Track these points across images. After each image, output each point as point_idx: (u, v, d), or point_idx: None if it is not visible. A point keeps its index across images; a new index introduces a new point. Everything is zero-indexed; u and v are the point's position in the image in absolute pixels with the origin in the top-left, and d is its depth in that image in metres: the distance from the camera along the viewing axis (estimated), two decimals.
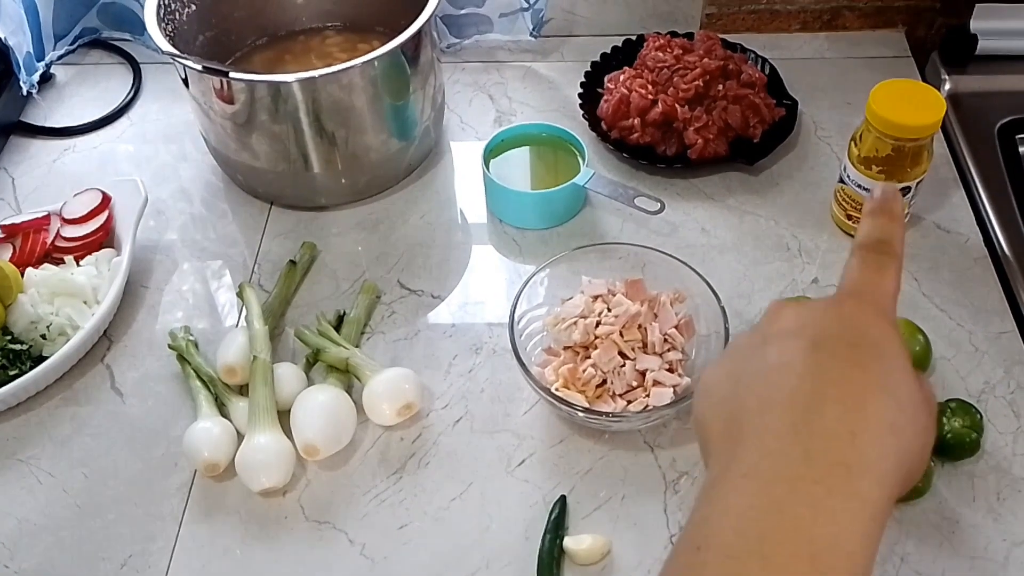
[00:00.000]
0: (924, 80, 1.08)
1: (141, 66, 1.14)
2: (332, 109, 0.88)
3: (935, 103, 0.83)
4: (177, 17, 0.94)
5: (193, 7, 0.97)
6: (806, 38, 1.15)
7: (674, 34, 1.09)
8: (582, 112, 1.03)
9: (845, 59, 1.12)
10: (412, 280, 0.91)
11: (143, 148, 1.05)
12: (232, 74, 0.82)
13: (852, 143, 0.87)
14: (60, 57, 1.13)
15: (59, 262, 0.88)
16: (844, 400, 0.40)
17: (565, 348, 0.80)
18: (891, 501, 0.40)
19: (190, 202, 0.99)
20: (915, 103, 0.83)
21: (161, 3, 0.91)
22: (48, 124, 1.07)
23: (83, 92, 1.12)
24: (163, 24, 0.90)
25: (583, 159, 0.94)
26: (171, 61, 0.85)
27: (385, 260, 0.93)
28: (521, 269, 0.92)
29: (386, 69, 0.87)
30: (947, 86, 1.05)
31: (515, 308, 0.79)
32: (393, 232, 0.95)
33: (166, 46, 0.84)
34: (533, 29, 1.11)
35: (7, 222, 0.89)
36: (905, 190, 0.87)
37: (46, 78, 1.11)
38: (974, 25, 1.05)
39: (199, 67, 0.83)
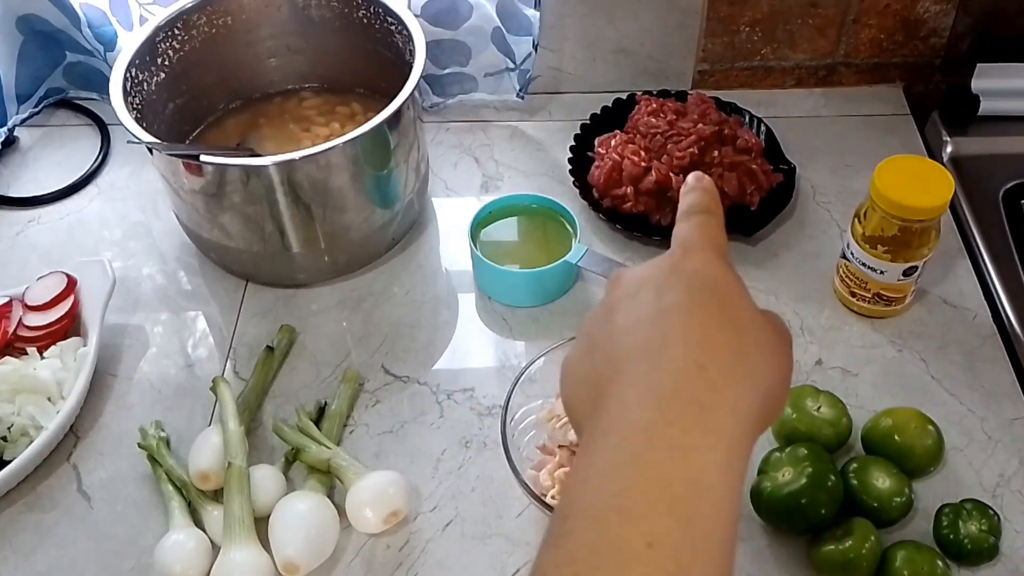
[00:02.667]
0: (925, 141, 1.04)
1: (108, 127, 1.09)
2: (311, 189, 0.83)
3: (943, 182, 0.79)
4: (145, 87, 0.89)
5: (162, 75, 0.92)
6: (801, 94, 1.11)
7: (665, 93, 1.06)
8: (572, 179, 0.99)
9: (842, 117, 1.09)
10: (397, 364, 0.86)
11: (111, 218, 1.00)
12: (204, 158, 0.78)
13: (856, 220, 0.84)
14: (24, 120, 1.07)
15: (21, 352, 0.83)
16: (688, 338, 0.42)
17: (560, 447, 0.75)
18: (751, 430, 0.41)
19: (161, 279, 0.94)
20: (922, 182, 0.80)
21: (128, 76, 0.86)
22: (11, 193, 1.02)
23: (48, 156, 1.07)
24: (130, 98, 0.85)
25: (576, 235, 0.90)
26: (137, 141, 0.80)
27: (368, 342, 0.88)
28: (511, 350, 0.87)
29: (368, 144, 0.83)
30: (949, 148, 1.01)
31: (507, 408, 0.74)
32: (376, 311, 0.91)
33: (135, 127, 0.80)
34: (520, 90, 1.06)
35: None
36: (912, 269, 0.83)
37: (9, 142, 1.06)
38: (976, 85, 1.02)
39: (169, 153, 0.77)
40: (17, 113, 1.07)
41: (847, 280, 0.87)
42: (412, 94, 0.84)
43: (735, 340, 0.42)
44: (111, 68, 1.00)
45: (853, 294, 0.87)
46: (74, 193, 1.02)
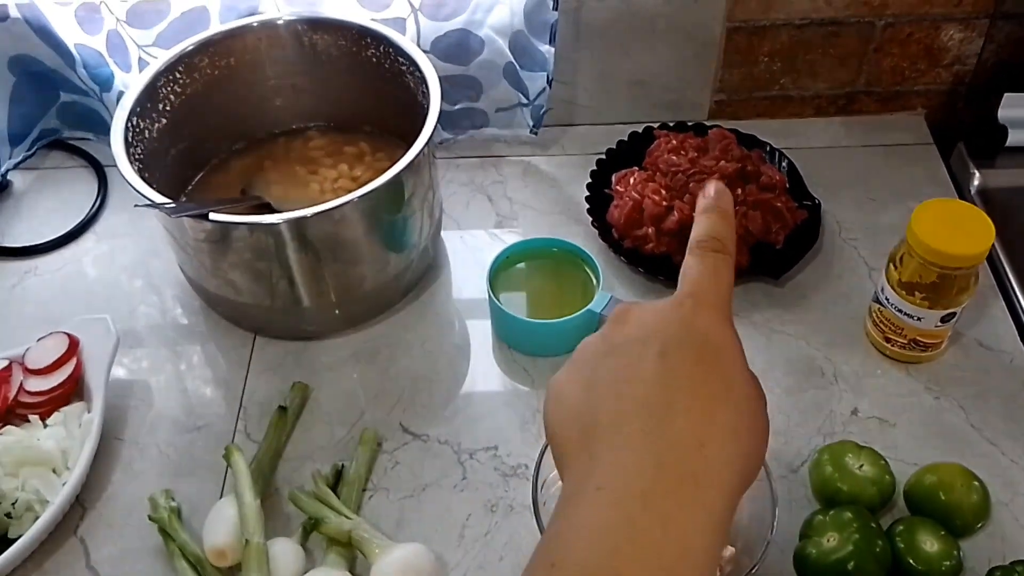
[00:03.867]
0: (950, 173, 1.01)
1: (105, 169, 1.05)
2: (324, 244, 0.80)
3: (983, 227, 0.76)
4: (147, 135, 0.85)
5: (163, 121, 0.88)
6: (821, 124, 1.08)
7: (682, 126, 1.03)
8: (591, 219, 0.95)
9: (864, 147, 1.06)
10: (416, 422, 0.83)
11: (111, 268, 0.96)
12: (212, 216, 0.74)
13: (891, 265, 0.81)
14: (17, 164, 1.03)
15: (22, 419, 0.79)
16: (692, 410, 0.42)
17: None
18: (733, 505, 0.42)
19: (166, 334, 0.90)
20: (961, 227, 0.76)
21: (129, 125, 0.82)
22: (6, 242, 0.98)
23: (43, 202, 1.03)
24: (132, 148, 0.82)
25: (598, 281, 0.86)
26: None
27: (385, 398, 0.85)
28: (534, 403, 0.84)
29: (384, 195, 0.79)
30: (976, 181, 0.98)
31: (538, 473, 0.71)
32: (392, 364, 0.87)
33: (143, 187, 0.76)
34: (533, 126, 1.03)
35: None
36: (949, 316, 0.80)
37: (2, 187, 1.02)
38: (1002, 115, 0.99)
39: (178, 215, 0.74)
40: (10, 156, 1.03)
41: (881, 325, 0.84)
42: (429, 141, 0.80)
43: (734, 419, 0.43)
44: (107, 108, 0.98)
45: (888, 339, 0.84)
46: (72, 241, 0.98)
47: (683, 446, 0.41)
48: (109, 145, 1.00)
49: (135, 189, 0.75)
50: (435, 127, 0.81)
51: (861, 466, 0.74)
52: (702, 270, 0.47)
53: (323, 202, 0.89)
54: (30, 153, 1.05)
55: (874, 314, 0.85)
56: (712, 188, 0.49)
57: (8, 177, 1.03)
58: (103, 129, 1.04)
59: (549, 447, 0.46)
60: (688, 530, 0.40)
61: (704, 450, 0.41)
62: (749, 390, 0.45)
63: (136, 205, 0.74)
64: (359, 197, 0.76)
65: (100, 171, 1.04)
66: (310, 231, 0.77)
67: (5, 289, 0.94)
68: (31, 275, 0.96)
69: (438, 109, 0.82)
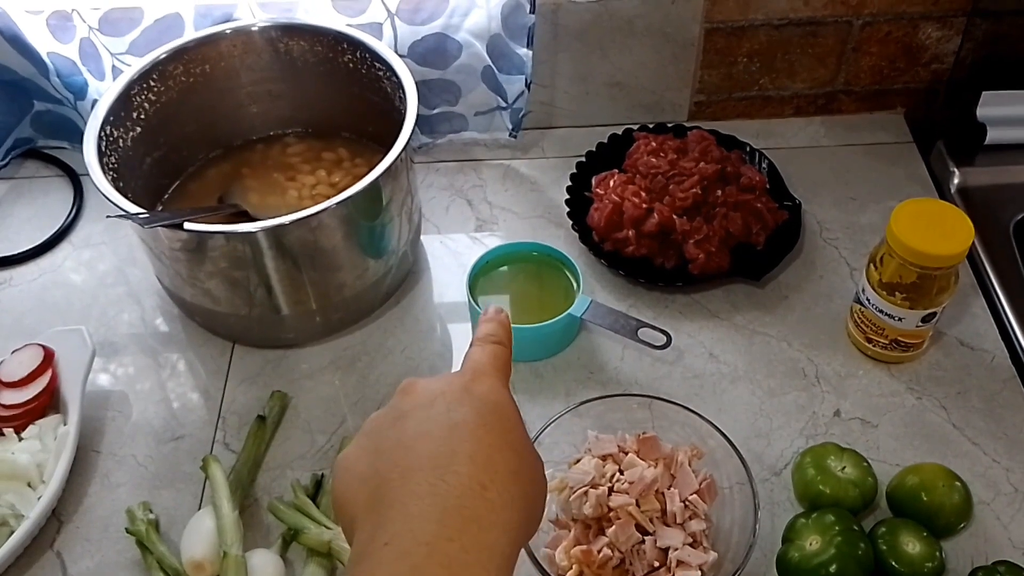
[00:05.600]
0: (930, 171, 1.01)
1: (81, 178, 1.04)
2: (302, 251, 0.79)
3: (962, 227, 0.76)
4: (121, 144, 0.85)
5: (138, 129, 0.87)
6: (800, 123, 1.08)
7: (662, 127, 1.02)
8: (572, 223, 0.95)
9: (843, 147, 1.05)
10: None
11: (87, 278, 0.95)
12: (188, 225, 0.73)
13: (871, 265, 0.80)
14: None
15: None
16: (476, 456, 0.45)
17: (575, 520, 0.72)
18: (517, 546, 0.45)
19: (143, 344, 0.89)
20: (940, 227, 0.76)
21: (103, 134, 0.81)
22: None
23: (18, 211, 1.01)
24: (106, 158, 0.81)
25: (579, 285, 0.86)
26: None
27: (365, 405, 0.84)
28: None
29: (361, 202, 0.79)
30: (956, 179, 0.98)
31: None
32: (372, 370, 0.87)
33: (116, 196, 0.75)
34: (512, 129, 1.02)
35: None
36: (930, 316, 0.80)
37: None
38: (981, 113, 0.99)
39: (152, 225, 0.73)
40: None
41: (862, 326, 0.84)
42: (406, 147, 0.80)
43: (514, 463, 0.46)
44: (81, 116, 0.97)
45: (869, 340, 0.84)
46: (47, 251, 0.97)
47: (466, 491, 0.43)
48: (82, 153, 1.00)
49: (108, 199, 0.75)
50: (412, 132, 0.81)
51: (843, 468, 0.74)
52: (482, 354, 0.52)
53: (301, 209, 0.88)
54: (4, 163, 1.03)
55: (855, 315, 0.85)
56: (492, 308, 0.56)
57: None
58: (78, 138, 1.03)
59: (339, 521, 0.48)
60: (474, 572, 0.42)
61: (487, 492, 0.44)
62: (526, 442, 0.49)
63: (109, 216, 0.73)
64: (336, 204, 0.75)
65: (76, 180, 1.03)
66: (287, 239, 0.77)
67: None
68: (6, 286, 0.94)
69: (415, 115, 0.81)
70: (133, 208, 0.73)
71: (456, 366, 0.85)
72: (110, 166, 0.81)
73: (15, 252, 0.96)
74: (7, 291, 0.94)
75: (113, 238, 0.98)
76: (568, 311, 0.84)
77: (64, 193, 1.03)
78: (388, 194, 0.82)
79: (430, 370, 0.87)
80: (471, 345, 0.53)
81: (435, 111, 1.02)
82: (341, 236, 0.80)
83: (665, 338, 0.83)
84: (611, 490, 0.71)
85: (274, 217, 0.86)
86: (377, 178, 0.77)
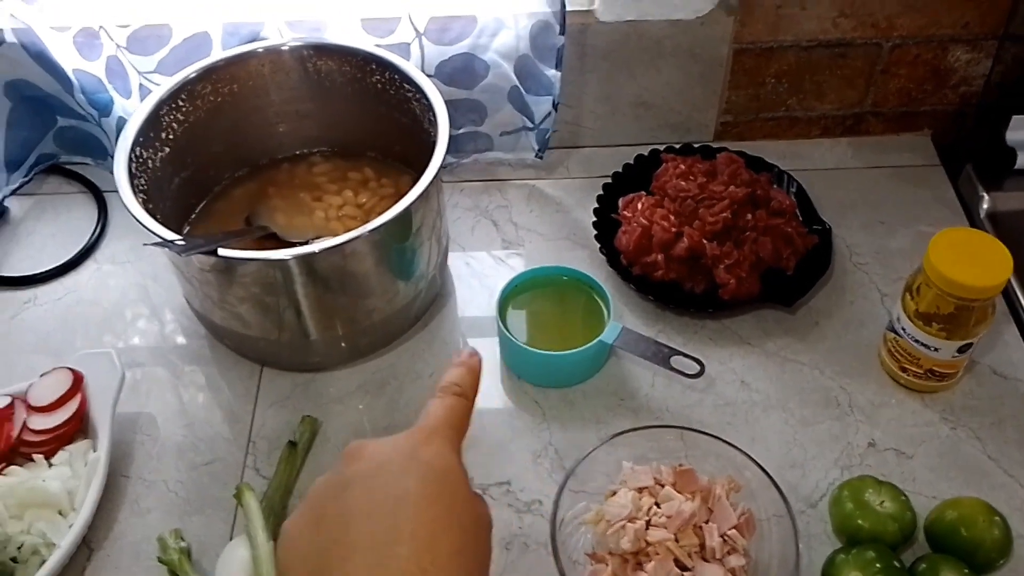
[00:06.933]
0: (958, 195, 1.01)
1: (105, 195, 1.03)
2: (334, 278, 0.78)
3: (1001, 257, 0.76)
4: (150, 165, 0.84)
5: (167, 150, 0.87)
6: (828, 145, 1.07)
7: (689, 148, 1.02)
8: (599, 246, 0.94)
9: (871, 168, 1.05)
10: None
11: (114, 298, 0.94)
12: (221, 251, 0.72)
13: (907, 295, 0.80)
14: (14, 191, 1.01)
15: (26, 459, 0.77)
16: (417, 535, 0.43)
17: (611, 554, 0.71)
18: None
19: (172, 365, 0.89)
20: (979, 257, 0.76)
21: (132, 156, 0.81)
22: (4, 272, 0.96)
23: (41, 228, 1.01)
24: (136, 180, 0.80)
25: (609, 310, 0.85)
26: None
27: (394, 431, 0.79)
28: (545, 436, 0.83)
29: (393, 228, 0.78)
30: (985, 204, 0.98)
31: (556, 516, 0.70)
32: (401, 395, 0.86)
33: (147, 220, 0.74)
34: (539, 150, 1.02)
35: None
36: (967, 347, 0.79)
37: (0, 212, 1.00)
38: (1011, 137, 0.98)
39: (185, 253, 0.72)
40: (8, 183, 1.01)
41: (897, 355, 0.83)
42: (438, 171, 0.79)
43: (458, 541, 0.44)
44: (105, 133, 0.96)
45: (903, 369, 0.83)
46: (72, 270, 0.97)
47: (405, 574, 0.42)
48: (108, 170, 0.99)
49: (144, 226, 0.74)
50: (444, 153, 0.80)
51: (882, 503, 0.73)
52: (440, 407, 0.50)
53: (329, 229, 0.88)
54: (27, 179, 1.03)
55: (889, 343, 0.84)
56: (466, 351, 0.54)
57: (5, 204, 1.01)
58: (101, 154, 1.03)
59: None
60: None
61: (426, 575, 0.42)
62: (473, 512, 0.47)
63: (145, 244, 0.72)
64: (370, 231, 0.74)
65: (99, 197, 1.03)
66: (319, 265, 0.76)
67: (4, 320, 0.92)
68: (31, 305, 0.94)
69: (446, 139, 0.80)
70: (169, 235, 0.73)
71: (483, 392, 0.84)
72: (140, 188, 0.80)
73: (39, 270, 0.96)
74: (32, 310, 0.93)
75: (138, 256, 0.97)
76: (599, 338, 0.83)
77: (87, 210, 1.02)
78: (419, 219, 0.81)
79: None
80: (433, 394, 0.52)
81: (460, 131, 1.01)
82: (373, 262, 0.80)
83: (698, 367, 0.82)
84: (648, 524, 0.71)
85: (301, 237, 0.87)
86: (410, 204, 0.76)
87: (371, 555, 0.43)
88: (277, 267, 0.75)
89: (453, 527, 0.45)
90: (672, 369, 0.82)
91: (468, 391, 0.52)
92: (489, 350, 0.89)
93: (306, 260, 0.75)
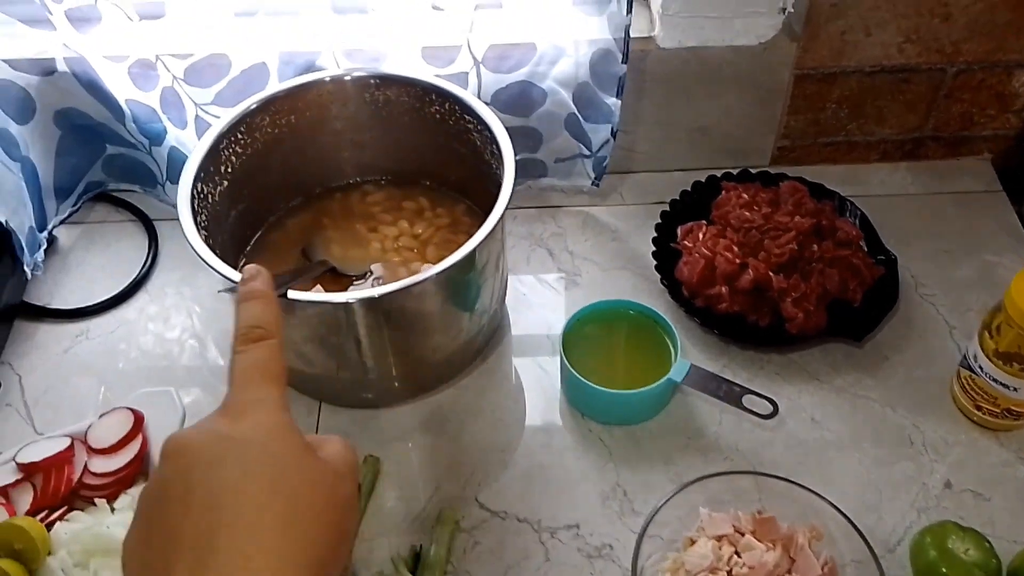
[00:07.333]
0: (1023, 222, 0.99)
1: (155, 224, 1.01)
2: (398, 318, 0.77)
3: None
4: (210, 200, 0.82)
5: (225, 183, 0.85)
6: (887, 170, 1.06)
7: (746, 174, 1.00)
8: (660, 277, 0.92)
9: (931, 195, 1.03)
10: (493, 498, 0.80)
11: (166, 330, 0.93)
12: (291, 294, 0.71)
13: (986, 333, 0.78)
14: (63, 220, 1.00)
15: (88, 502, 0.76)
16: (236, 524, 0.41)
17: None
18: None
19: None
20: None
21: (194, 193, 0.79)
22: (55, 304, 0.95)
23: (91, 259, 0.99)
24: (198, 217, 0.79)
25: (675, 348, 0.84)
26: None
27: (458, 471, 0.82)
28: (611, 476, 0.81)
29: (459, 268, 0.76)
30: None
31: (636, 565, 0.68)
32: (463, 433, 0.84)
33: (219, 265, 0.72)
34: (596, 178, 1.00)
35: (26, 459, 0.76)
36: None
37: (48, 243, 0.98)
38: None
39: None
40: (57, 212, 0.99)
41: (972, 393, 0.81)
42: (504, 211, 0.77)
43: (286, 512, 0.42)
44: (156, 161, 0.95)
45: (978, 407, 0.81)
46: (124, 301, 0.95)
47: (228, 566, 0.40)
48: (157, 198, 0.99)
49: (218, 272, 0.71)
50: (512, 188, 0.78)
51: (967, 550, 0.71)
52: (246, 364, 0.46)
53: (386, 261, 0.87)
54: (76, 208, 1.01)
55: (964, 380, 0.82)
56: (247, 273, 0.49)
57: (53, 233, 1.00)
58: (151, 182, 1.01)
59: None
60: None
61: (251, 563, 0.40)
62: (309, 473, 0.44)
63: (220, 291, 0.71)
64: (437, 273, 0.73)
65: (149, 225, 1.01)
66: (385, 307, 0.75)
67: (56, 355, 0.91)
68: (83, 339, 0.92)
69: (513, 178, 0.79)
70: (237, 276, 0.71)
71: (547, 429, 0.84)
72: (202, 225, 0.79)
73: (91, 303, 0.94)
74: (84, 345, 0.92)
75: (192, 288, 0.96)
76: (668, 376, 0.81)
77: (137, 238, 1.01)
78: (484, 255, 0.80)
79: (521, 433, 0.85)
80: (233, 349, 0.47)
81: (515, 158, 0.99)
82: (439, 301, 0.78)
83: (771, 407, 0.80)
84: (730, 574, 0.69)
85: (358, 270, 0.85)
86: (478, 245, 0.75)
87: (191, 558, 0.40)
88: (343, 309, 0.74)
89: (279, 500, 0.42)
90: (744, 409, 0.81)
91: (271, 328, 0.48)
92: (548, 382, 0.88)
93: (373, 302, 0.73)
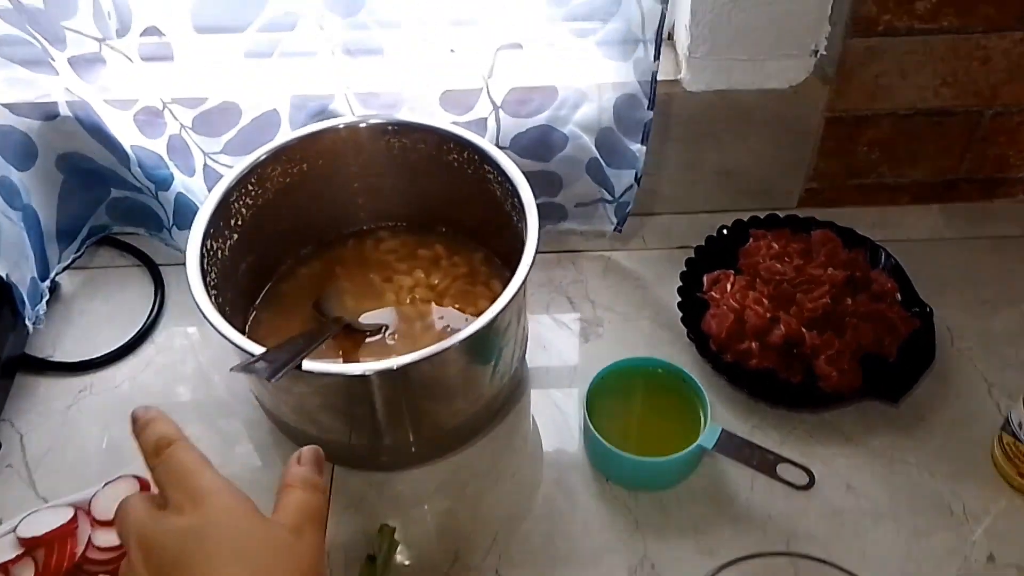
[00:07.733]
0: None
1: (160, 269, 0.98)
2: (415, 386, 0.73)
3: None
4: (219, 256, 0.79)
5: (235, 237, 0.82)
6: (918, 212, 1.02)
7: (774, 218, 0.96)
8: (687, 331, 0.89)
9: (967, 239, 0.99)
10: (515, 570, 0.76)
11: (174, 387, 0.89)
12: (306, 365, 0.67)
13: None
14: (65, 267, 0.97)
15: None
16: None
17: None
18: None
19: (238, 463, 0.84)
20: None
21: (203, 252, 0.75)
22: (58, 356, 0.91)
23: (95, 307, 0.96)
24: (207, 276, 0.75)
25: (705, 412, 0.80)
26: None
27: (478, 541, 0.78)
28: (639, 546, 0.78)
29: (482, 334, 0.72)
30: None
31: None
32: (482, 500, 0.81)
33: (237, 337, 0.68)
34: (618, 224, 0.96)
35: (28, 533, 0.73)
36: None
37: (51, 291, 0.95)
38: None
39: (275, 378, 0.66)
40: (59, 259, 0.96)
41: (1016, 460, 0.78)
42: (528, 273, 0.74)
43: None
44: (162, 205, 0.92)
45: (1022, 474, 0.78)
46: (129, 353, 0.92)
47: None
48: (163, 241, 0.95)
49: (236, 345, 0.68)
50: (535, 248, 0.75)
51: None
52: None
53: (402, 314, 0.83)
54: (79, 253, 0.98)
55: (1007, 447, 0.79)
56: (136, 411, 0.57)
57: (56, 280, 0.96)
58: (156, 225, 0.98)
59: None
60: None
61: None
62: (266, 542, 0.49)
63: (232, 369, 0.67)
64: (459, 342, 0.69)
65: (154, 270, 0.98)
66: (404, 375, 0.71)
67: (59, 411, 0.87)
68: (87, 394, 0.89)
69: (536, 239, 0.75)
70: (252, 347, 0.68)
71: (571, 495, 0.80)
72: (211, 284, 0.75)
73: (95, 355, 0.91)
74: (88, 400, 0.88)
75: (203, 340, 0.92)
76: (698, 443, 0.78)
77: (142, 285, 0.97)
78: (507, 317, 0.76)
79: (543, 498, 0.81)
80: (150, 468, 0.53)
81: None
82: (460, 368, 0.75)
83: (808, 477, 0.77)
84: None
85: (373, 321, 0.82)
86: (501, 310, 0.71)
87: None
88: (359, 380, 0.70)
89: (244, 572, 0.47)
90: (778, 479, 0.77)
91: (174, 435, 0.55)
92: (570, 441, 0.84)
93: (390, 372, 0.70)
